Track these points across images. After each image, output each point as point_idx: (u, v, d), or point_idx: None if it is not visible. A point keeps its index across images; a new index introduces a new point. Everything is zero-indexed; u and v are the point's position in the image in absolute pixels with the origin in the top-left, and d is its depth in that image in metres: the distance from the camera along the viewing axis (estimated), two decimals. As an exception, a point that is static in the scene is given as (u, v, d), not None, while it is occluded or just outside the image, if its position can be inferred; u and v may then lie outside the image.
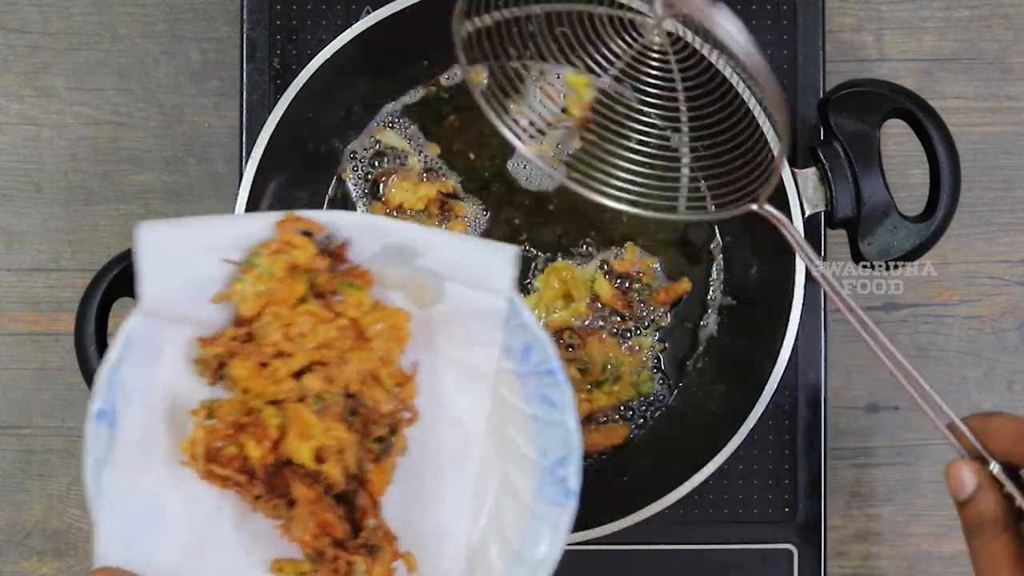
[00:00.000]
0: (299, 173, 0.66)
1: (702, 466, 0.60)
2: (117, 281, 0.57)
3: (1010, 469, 0.49)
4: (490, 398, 0.51)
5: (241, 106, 0.67)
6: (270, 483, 0.47)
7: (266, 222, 0.49)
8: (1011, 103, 0.74)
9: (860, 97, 0.61)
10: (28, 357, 0.73)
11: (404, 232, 0.49)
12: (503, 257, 0.49)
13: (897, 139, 0.70)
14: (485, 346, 0.50)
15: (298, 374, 0.48)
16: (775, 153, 0.57)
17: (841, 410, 0.73)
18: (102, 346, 0.56)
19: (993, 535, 0.48)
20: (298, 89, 0.61)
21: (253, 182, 0.61)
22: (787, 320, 0.60)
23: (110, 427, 0.47)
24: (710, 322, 0.69)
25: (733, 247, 0.68)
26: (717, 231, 0.69)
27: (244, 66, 0.67)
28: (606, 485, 0.66)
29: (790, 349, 0.60)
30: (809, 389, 0.67)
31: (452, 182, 0.68)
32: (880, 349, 0.53)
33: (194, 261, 0.48)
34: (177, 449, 0.47)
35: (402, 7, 0.61)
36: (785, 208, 0.60)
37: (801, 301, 0.60)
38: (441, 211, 0.68)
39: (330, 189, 0.68)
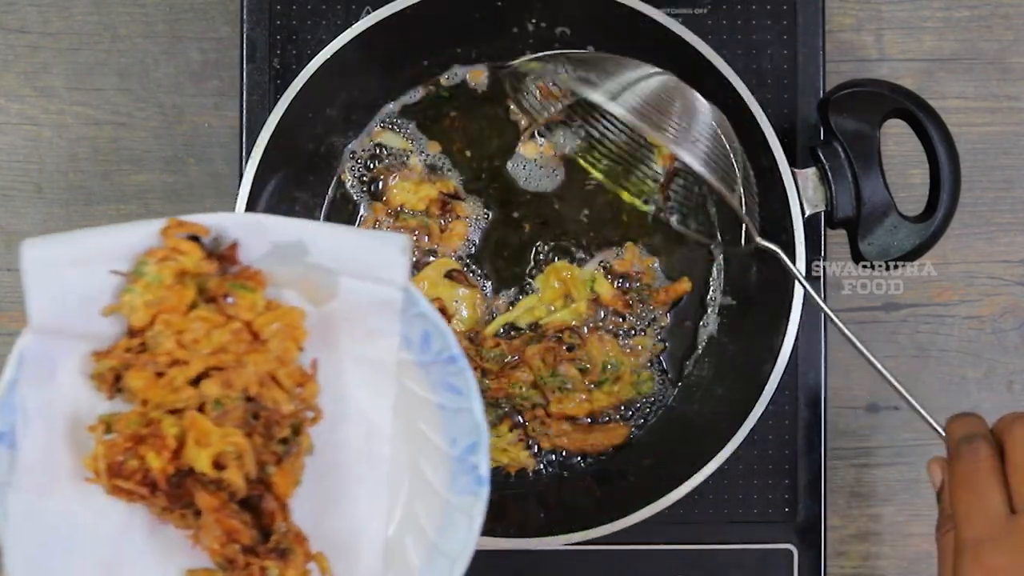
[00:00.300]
0: (299, 173, 0.66)
1: (702, 466, 0.60)
2: (117, 281, 0.57)
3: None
4: (394, 391, 0.50)
5: (241, 106, 0.67)
6: (174, 494, 0.47)
7: (150, 230, 0.48)
8: (1011, 103, 0.74)
9: (860, 97, 0.61)
10: (28, 357, 0.73)
11: (291, 229, 0.49)
12: (394, 247, 0.48)
13: (897, 139, 0.70)
14: (384, 338, 0.49)
15: (196, 381, 0.47)
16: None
17: (841, 410, 0.73)
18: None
19: (949, 527, 0.49)
20: (298, 89, 0.61)
21: (253, 182, 0.61)
22: (787, 320, 0.60)
23: (10, 449, 0.46)
24: (710, 322, 0.69)
25: (733, 248, 0.68)
26: (717, 232, 0.69)
27: (244, 66, 0.67)
28: (606, 485, 0.66)
29: (790, 349, 0.60)
30: (809, 389, 0.67)
31: (454, 182, 0.68)
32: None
33: (81, 274, 0.47)
34: (81, 466, 0.47)
35: (402, 7, 0.61)
36: (785, 208, 0.60)
37: (801, 301, 0.60)
38: (442, 211, 0.68)
39: (330, 189, 0.68)
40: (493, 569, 0.66)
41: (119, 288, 0.48)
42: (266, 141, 0.61)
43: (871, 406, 0.73)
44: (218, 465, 0.46)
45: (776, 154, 0.60)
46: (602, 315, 0.68)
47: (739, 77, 0.60)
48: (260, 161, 0.61)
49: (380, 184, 0.68)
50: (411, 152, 0.68)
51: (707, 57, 0.60)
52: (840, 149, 0.60)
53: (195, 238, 0.48)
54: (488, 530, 0.61)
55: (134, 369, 0.47)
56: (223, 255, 0.49)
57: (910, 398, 0.55)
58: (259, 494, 0.47)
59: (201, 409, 0.47)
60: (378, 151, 0.69)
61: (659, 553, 0.66)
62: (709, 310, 0.69)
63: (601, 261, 0.68)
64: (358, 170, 0.68)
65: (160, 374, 0.47)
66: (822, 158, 0.60)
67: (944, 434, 0.53)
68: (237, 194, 0.61)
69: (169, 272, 0.48)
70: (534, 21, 0.66)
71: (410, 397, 0.51)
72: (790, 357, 0.60)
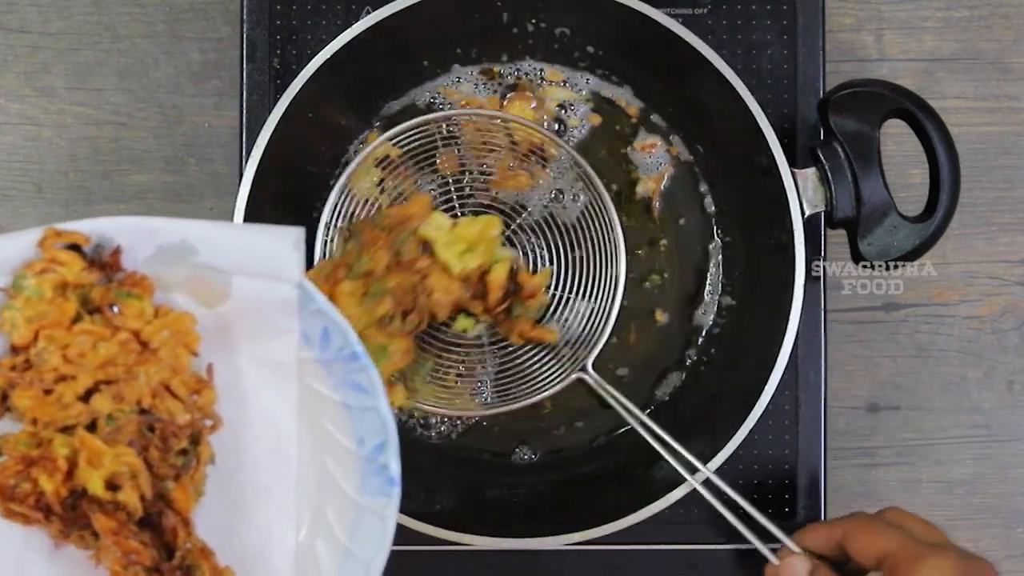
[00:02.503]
0: (299, 173, 0.66)
1: (706, 461, 0.60)
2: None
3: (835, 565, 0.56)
4: (296, 391, 0.48)
5: (241, 106, 0.67)
6: (70, 517, 0.45)
7: (27, 241, 0.46)
8: (1011, 103, 0.74)
9: (860, 97, 0.61)
10: (28, 357, 0.73)
11: (175, 229, 0.47)
12: (285, 241, 0.47)
13: (897, 139, 0.70)
14: (282, 337, 0.48)
15: (87, 396, 0.45)
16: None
17: (841, 410, 0.73)
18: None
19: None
20: (298, 89, 0.61)
21: (253, 182, 0.61)
22: (787, 320, 0.60)
23: None
24: (709, 322, 0.69)
25: (733, 247, 0.68)
26: (717, 232, 0.69)
27: (244, 66, 0.67)
28: (606, 485, 0.66)
29: (790, 349, 0.60)
30: (809, 389, 0.67)
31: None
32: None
33: None
34: None
35: (402, 7, 0.61)
36: (785, 208, 0.60)
37: (801, 301, 0.60)
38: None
39: (330, 190, 0.68)
40: (493, 569, 0.66)
41: None
42: (266, 141, 0.61)
43: (871, 406, 0.73)
44: (112, 486, 0.45)
45: (776, 154, 0.60)
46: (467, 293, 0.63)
47: (739, 77, 0.60)
48: (260, 161, 0.61)
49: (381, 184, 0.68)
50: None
51: (707, 57, 0.60)
52: (840, 149, 0.60)
53: (75, 247, 0.47)
54: (489, 530, 0.61)
55: (20, 388, 0.45)
56: (106, 263, 0.47)
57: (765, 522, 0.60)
58: (159, 511, 0.46)
59: (94, 425, 0.45)
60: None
61: (659, 553, 0.66)
62: (708, 310, 0.69)
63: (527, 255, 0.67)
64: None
65: (48, 391, 0.45)
66: (822, 158, 0.60)
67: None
68: (237, 194, 0.61)
69: (49, 285, 0.46)
70: (534, 21, 0.66)
71: (314, 397, 0.49)
72: (790, 357, 0.60)
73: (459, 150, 0.68)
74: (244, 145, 0.66)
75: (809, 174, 0.61)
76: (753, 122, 0.60)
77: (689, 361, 0.69)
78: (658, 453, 0.61)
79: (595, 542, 0.61)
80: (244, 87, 0.67)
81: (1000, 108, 0.74)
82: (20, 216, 0.73)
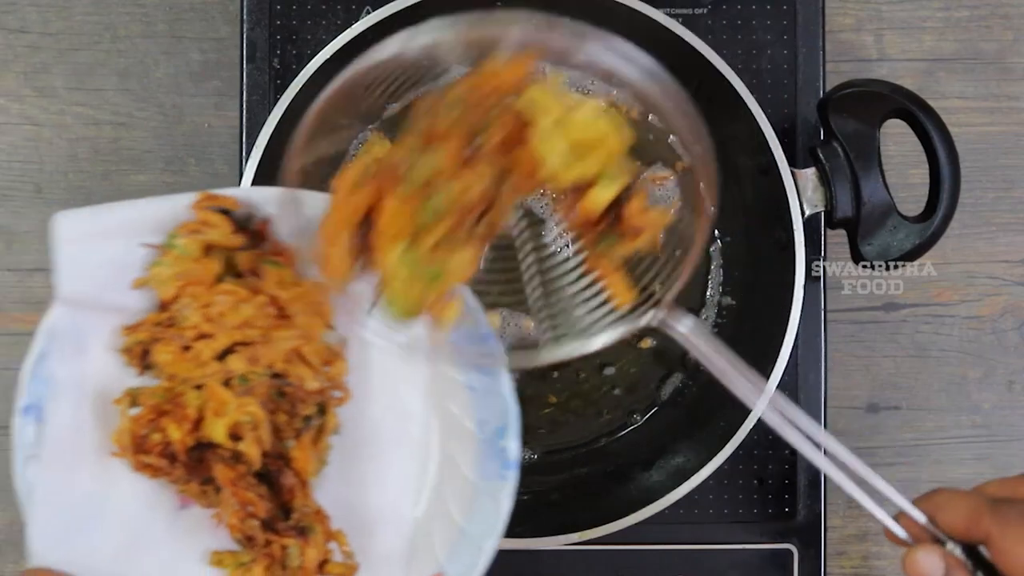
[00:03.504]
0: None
1: (702, 466, 0.60)
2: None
3: (967, 547, 0.47)
4: (425, 371, 0.49)
5: (241, 106, 0.67)
6: (193, 467, 0.46)
7: (183, 203, 0.48)
8: (1011, 103, 0.74)
9: (860, 97, 0.61)
10: (28, 357, 0.73)
11: (322, 204, 0.48)
12: None
13: (897, 139, 0.70)
14: None
15: (223, 356, 0.47)
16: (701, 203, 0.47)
17: (841, 410, 0.73)
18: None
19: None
20: (298, 89, 0.61)
21: (253, 182, 0.61)
22: (787, 320, 0.60)
23: (38, 422, 0.47)
24: (709, 322, 0.69)
25: (733, 247, 0.68)
26: (716, 233, 0.69)
27: (244, 66, 0.67)
28: (606, 485, 0.66)
29: (790, 349, 0.60)
30: (809, 389, 0.67)
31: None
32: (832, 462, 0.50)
33: (113, 247, 0.47)
34: (108, 441, 0.47)
35: (402, 7, 0.61)
36: (785, 208, 0.60)
37: (801, 301, 0.60)
38: None
39: (330, 189, 0.68)
40: (493, 569, 0.66)
41: (149, 261, 0.48)
42: (266, 141, 0.61)
43: (871, 406, 0.73)
44: (234, 436, 0.46)
45: (776, 154, 0.60)
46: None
47: (739, 77, 0.60)
48: (260, 161, 0.61)
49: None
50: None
51: (707, 57, 0.60)
52: (840, 149, 0.60)
53: (225, 212, 0.48)
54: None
55: (161, 343, 0.47)
56: (255, 231, 0.49)
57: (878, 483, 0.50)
58: (278, 469, 0.47)
59: (228, 385, 0.47)
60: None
61: (659, 553, 0.66)
62: (708, 309, 0.69)
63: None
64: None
65: (187, 348, 0.47)
66: (822, 158, 0.60)
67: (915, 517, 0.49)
68: (237, 194, 0.61)
69: (197, 245, 0.47)
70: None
71: (441, 377, 0.50)
72: (790, 357, 0.60)
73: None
74: (244, 145, 0.66)
75: (809, 174, 0.61)
76: (753, 122, 0.60)
77: (690, 361, 0.69)
78: (658, 453, 0.61)
79: (595, 542, 0.61)
80: (244, 87, 0.67)
81: (1000, 108, 0.74)
82: (20, 216, 0.73)
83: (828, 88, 0.65)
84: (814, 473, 0.67)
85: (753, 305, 0.67)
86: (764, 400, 0.48)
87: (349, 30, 0.61)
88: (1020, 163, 0.74)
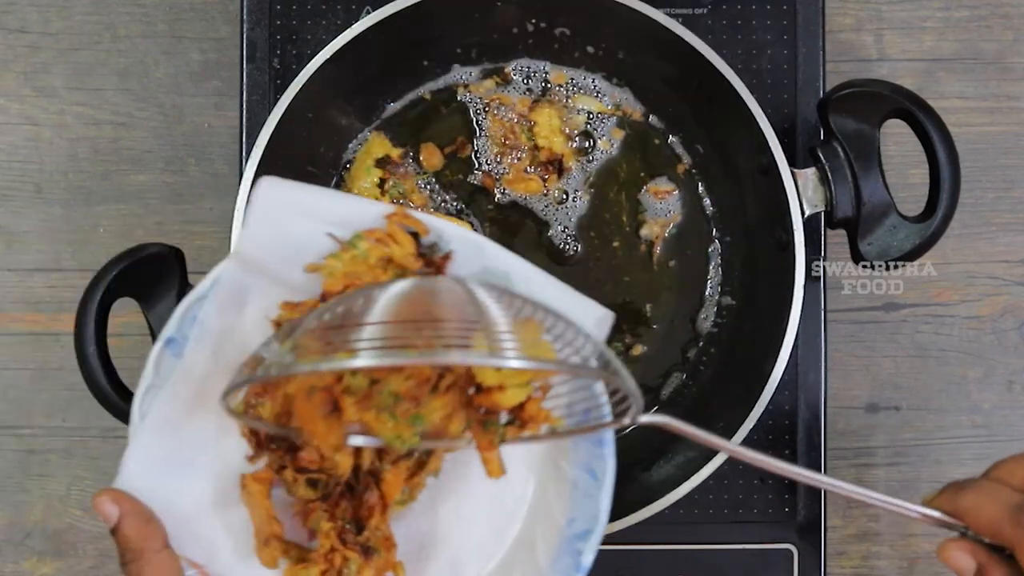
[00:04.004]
0: (299, 174, 0.66)
1: (702, 466, 0.60)
2: (117, 281, 0.57)
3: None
4: (539, 451, 0.50)
5: (241, 106, 0.67)
6: (285, 452, 0.47)
7: (377, 210, 0.49)
8: (1011, 103, 0.74)
9: (860, 97, 0.60)
10: (28, 357, 0.73)
11: (505, 260, 0.49)
12: (593, 315, 0.49)
13: (897, 139, 0.70)
14: (550, 399, 0.49)
15: None
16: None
17: (841, 410, 0.73)
18: (102, 346, 0.56)
19: (979, 481, 0.47)
20: (298, 89, 0.61)
21: (253, 182, 0.61)
22: (787, 320, 0.60)
23: (175, 357, 0.48)
24: (709, 322, 0.69)
25: (733, 247, 0.68)
26: (716, 233, 0.69)
27: (244, 66, 0.67)
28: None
29: (790, 349, 0.60)
30: (809, 389, 0.67)
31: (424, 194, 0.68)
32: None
33: (300, 225, 0.49)
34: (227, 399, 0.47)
35: (402, 7, 0.61)
36: (785, 209, 0.60)
37: (801, 301, 0.60)
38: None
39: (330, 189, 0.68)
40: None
41: (328, 251, 0.49)
42: (266, 141, 0.61)
43: (871, 406, 0.73)
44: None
45: (776, 154, 0.60)
46: None
47: (739, 77, 0.60)
48: (260, 161, 0.61)
49: (382, 184, 0.68)
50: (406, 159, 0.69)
51: (707, 57, 0.60)
52: (840, 149, 0.60)
53: (414, 234, 0.49)
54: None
55: (311, 330, 0.47)
56: (435, 261, 0.50)
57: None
58: (366, 486, 0.47)
59: (346, 390, 0.47)
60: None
61: (659, 553, 0.66)
62: (708, 310, 0.69)
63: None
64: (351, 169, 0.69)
65: (329, 343, 0.47)
66: (822, 158, 0.60)
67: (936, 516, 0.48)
68: (237, 194, 0.61)
69: (376, 254, 0.48)
70: (534, 21, 0.66)
71: (551, 461, 0.50)
72: (790, 357, 0.60)
73: (476, 142, 0.68)
74: (244, 145, 0.66)
75: (809, 174, 0.61)
76: (753, 122, 0.60)
77: (690, 361, 0.69)
78: (658, 453, 0.61)
79: (595, 542, 0.61)
80: (244, 87, 0.67)
81: (1000, 108, 0.74)
82: (20, 216, 0.73)
83: (828, 88, 0.65)
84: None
85: (753, 305, 0.67)
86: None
87: (349, 30, 0.61)
88: (1020, 163, 0.74)
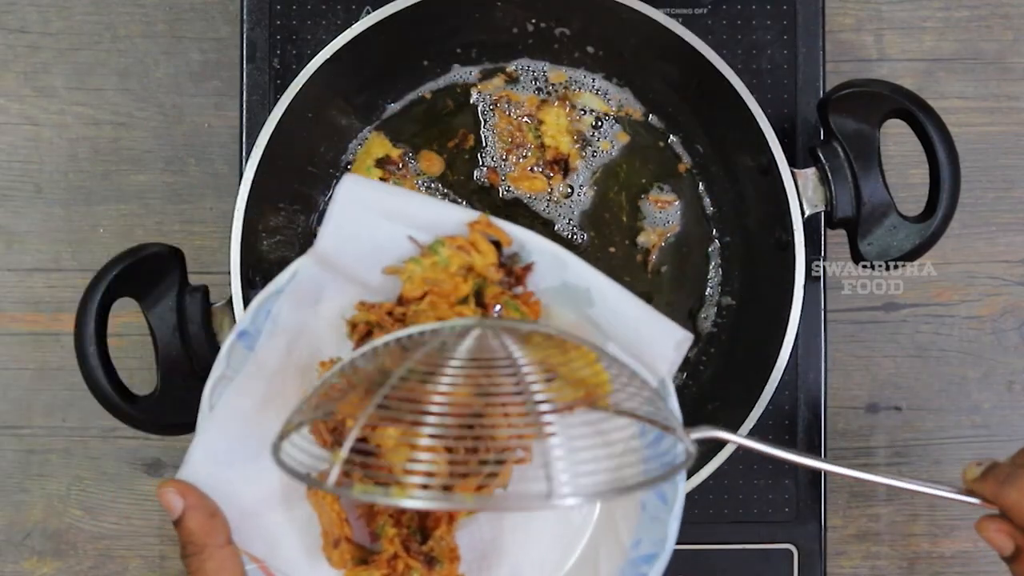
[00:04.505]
0: (299, 174, 0.66)
1: (702, 465, 0.60)
2: (117, 281, 0.57)
3: None
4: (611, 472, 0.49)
5: (241, 106, 0.67)
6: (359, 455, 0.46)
7: (461, 217, 0.49)
8: (1011, 103, 0.74)
9: (860, 97, 0.60)
10: (28, 357, 0.73)
11: (586, 275, 0.49)
12: (672, 337, 0.48)
13: (897, 139, 0.70)
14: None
15: None
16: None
17: (841, 410, 0.73)
18: (102, 346, 0.56)
19: None
20: (298, 89, 0.61)
21: (253, 182, 0.61)
22: (787, 320, 0.60)
23: (247, 349, 0.48)
24: (709, 322, 0.69)
25: (733, 248, 0.68)
26: (716, 233, 0.69)
27: (244, 66, 0.67)
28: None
29: (790, 349, 0.60)
30: (809, 389, 0.67)
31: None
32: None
33: (381, 227, 0.49)
34: (299, 396, 0.47)
35: (402, 7, 0.61)
36: (785, 209, 0.60)
37: (801, 301, 0.60)
38: None
39: (330, 190, 0.68)
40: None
41: (407, 255, 0.49)
42: (266, 141, 0.61)
43: (871, 406, 0.73)
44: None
45: (776, 154, 0.60)
46: None
47: (739, 77, 0.60)
48: (260, 161, 0.61)
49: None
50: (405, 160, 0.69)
51: (707, 57, 0.60)
52: (840, 149, 0.60)
53: (497, 243, 0.49)
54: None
55: (385, 331, 0.47)
56: (516, 272, 0.49)
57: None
58: None
59: None
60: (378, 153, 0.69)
61: (659, 553, 0.66)
62: (708, 310, 0.69)
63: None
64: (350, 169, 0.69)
65: (405, 349, 0.47)
66: (822, 158, 0.60)
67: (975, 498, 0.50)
68: (237, 194, 0.61)
69: (458, 261, 0.48)
70: (534, 21, 0.66)
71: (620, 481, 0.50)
72: (790, 357, 0.60)
73: (483, 140, 0.68)
74: (244, 145, 0.66)
75: (809, 174, 0.61)
76: (753, 122, 0.60)
77: (690, 361, 0.69)
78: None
79: (595, 542, 0.60)
80: (244, 87, 0.67)
81: (1000, 108, 0.74)
82: (20, 216, 0.73)
83: (828, 88, 0.64)
84: (814, 473, 0.67)
85: (753, 305, 0.67)
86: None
87: (349, 30, 0.61)
88: (1020, 163, 0.74)
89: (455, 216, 0.49)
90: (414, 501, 0.39)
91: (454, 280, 0.48)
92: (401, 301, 0.48)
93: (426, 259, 0.48)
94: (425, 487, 0.40)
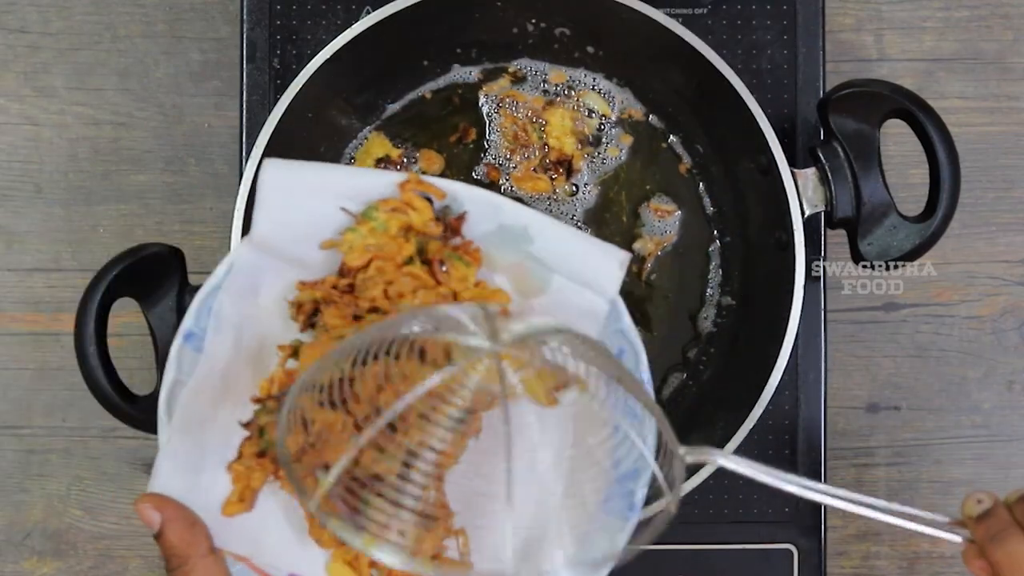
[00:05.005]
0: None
1: (702, 466, 0.60)
2: (117, 281, 0.57)
3: None
4: (573, 399, 0.49)
5: (241, 106, 0.67)
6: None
7: (389, 180, 0.49)
8: (1011, 103, 0.74)
9: (860, 97, 0.60)
10: (28, 357, 0.73)
11: (521, 215, 0.49)
12: (613, 259, 0.49)
13: (897, 139, 0.70)
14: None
15: None
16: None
17: (841, 410, 0.73)
18: (102, 346, 0.56)
19: (1019, 536, 0.47)
20: (298, 89, 0.61)
21: (253, 182, 0.61)
22: (787, 320, 0.60)
23: (196, 351, 0.47)
24: (709, 322, 0.69)
25: (733, 248, 0.68)
26: (716, 233, 0.69)
27: (244, 66, 0.67)
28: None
29: (790, 349, 0.60)
30: (809, 389, 0.67)
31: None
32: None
33: (311, 204, 0.48)
34: (254, 387, 0.47)
35: (402, 7, 0.61)
36: (785, 209, 0.60)
37: (801, 301, 0.60)
38: None
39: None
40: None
41: (343, 226, 0.48)
42: (266, 141, 0.61)
43: (871, 406, 0.73)
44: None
45: (776, 154, 0.60)
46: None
47: (739, 77, 0.60)
48: (260, 161, 0.61)
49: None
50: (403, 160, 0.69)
51: (707, 57, 0.60)
52: (840, 149, 0.60)
53: (428, 199, 0.49)
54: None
55: (334, 307, 0.47)
56: (450, 224, 0.49)
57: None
58: None
59: None
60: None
61: (659, 553, 0.66)
62: (708, 310, 0.69)
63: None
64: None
65: (357, 318, 0.47)
66: (822, 158, 0.60)
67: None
68: (237, 194, 0.61)
69: (396, 223, 0.48)
70: (534, 21, 0.66)
71: (587, 410, 0.49)
72: (790, 357, 0.60)
73: (488, 135, 0.68)
74: (244, 145, 0.66)
75: (809, 174, 0.61)
76: (753, 122, 0.60)
77: (690, 361, 0.69)
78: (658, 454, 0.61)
79: (595, 542, 0.60)
80: (244, 87, 0.67)
81: (1000, 108, 0.74)
82: (20, 216, 0.73)
83: (828, 88, 0.65)
84: (814, 473, 0.67)
85: (753, 305, 0.67)
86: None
87: (349, 30, 0.61)
88: (1020, 163, 0.74)
89: (382, 180, 0.49)
90: (383, 555, 0.40)
91: (397, 242, 0.48)
92: (343, 272, 0.48)
93: (363, 226, 0.48)
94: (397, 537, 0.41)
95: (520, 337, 0.43)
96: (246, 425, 0.47)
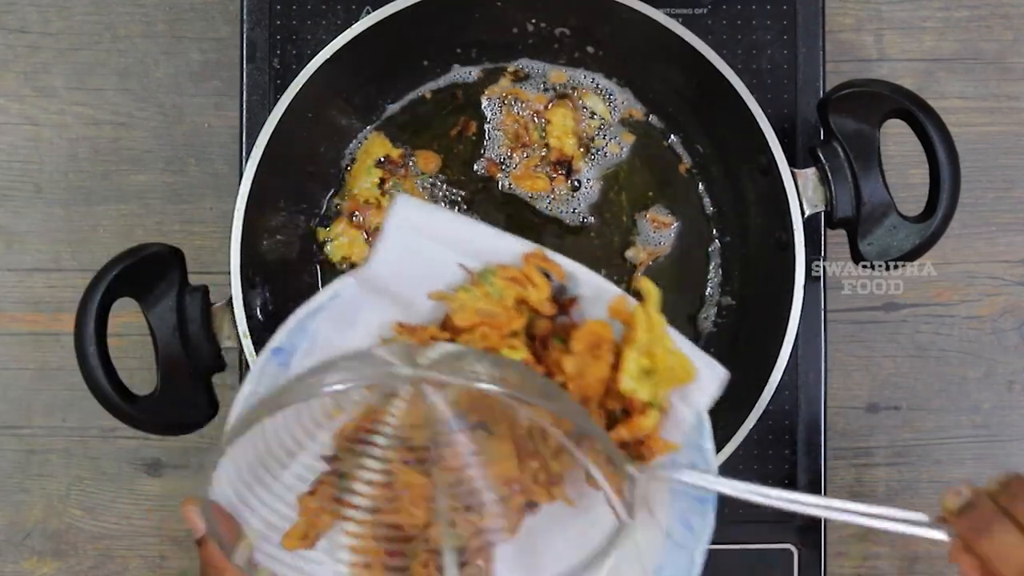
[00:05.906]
0: (299, 174, 0.66)
1: (702, 466, 0.60)
2: (117, 281, 0.57)
3: None
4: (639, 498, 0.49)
5: (241, 106, 0.67)
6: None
7: (515, 247, 0.49)
8: (1011, 103, 0.74)
9: (860, 97, 0.60)
10: (28, 357, 0.73)
11: (632, 308, 0.49)
12: (713, 375, 0.49)
13: (897, 139, 0.70)
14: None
15: None
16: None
17: (841, 410, 0.73)
18: (102, 346, 0.56)
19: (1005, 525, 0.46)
20: (298, 89, 0.61)
21: (253, 182, 0.61)
22: (787, 320, 0.60)
23: (281, 366, 0.47)
24: (709, 322, 0.69)
25: (733, 248, 0.68)
26: (716, 232, 0.69)
27: (244, 66, 0.67)
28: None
29: (790, 349, 0.60)
30: (809, 389, 0.67)
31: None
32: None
33: (431, 249, 0.48)
34: (327, 417, 0.46)
35: (402, 7, 0.61)
36: (785, 209, 0.60)
37: (801, 301, 0.60)
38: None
39: (330, 190, 0.68)
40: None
41: (456, 281, 0.48)
42: (266, 141, 0.61)
43: (871, 406, 0.73)
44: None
45: (776, 154, 0.60)
46: None
47: (739, 77, 0.60)
48: (260, 161, 0.61)
49: (382, 184, 0.68)
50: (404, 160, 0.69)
51: (707, 57, 0.60)
52: (840, 149, 0.60)
53: (547, 275, 0.48)
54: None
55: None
56: (563, 304, 0.49)
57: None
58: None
59: None
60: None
61: (659, 553, 0.66)
62: (708, 310, 0.69)
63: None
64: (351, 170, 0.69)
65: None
66: (822, 158, 0.60)
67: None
68: (237, 194, 0.61)
69: (513, 295, 0.48)
70: (534, 21, 0.66)
71: (645, 511, 0.49)
72: (790, 357, 0.60)
73: (489, 132, 0.68)
74: (244, 145, 0.66)
75: (809, 174, 0.61)
76: (753, 122, 0.60)
77: (689, 361, 0.69)
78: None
79: (595, 542, 0.60)
80: (244, 87, 0.67)
81: (1000, 108, 0.74)
82: (20, 216, 0.73)
83: (828, 88, 0.65)
84: (814, 473, 0.67)
85: (753, 305, 0.67)
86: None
87: (349, 30, 0.61)
88: (1020, 163, 0.74)
89: (508, 246, 0.49)
90: None
91: (508, 313, 0.48)
92: (446, 326, 0.48)
93: (478, 288, 0.48)
94: None
95: (435, 361, 0.43)
96: (329, 460, 0.46)
